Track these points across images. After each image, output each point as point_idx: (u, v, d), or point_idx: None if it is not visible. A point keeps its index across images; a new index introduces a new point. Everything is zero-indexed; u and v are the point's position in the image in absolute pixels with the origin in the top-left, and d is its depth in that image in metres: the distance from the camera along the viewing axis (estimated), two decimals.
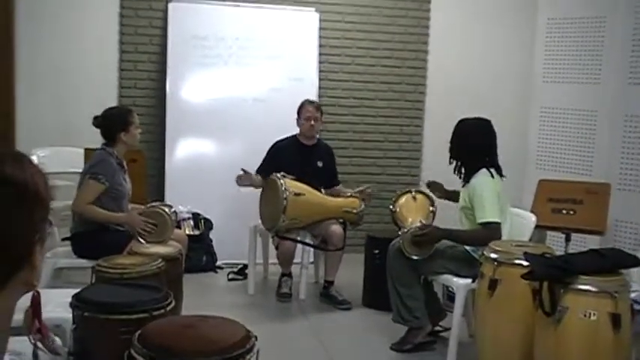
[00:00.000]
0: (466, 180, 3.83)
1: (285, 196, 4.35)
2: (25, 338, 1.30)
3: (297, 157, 4.88)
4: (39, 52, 5.49)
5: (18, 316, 1.19)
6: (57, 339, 1.40)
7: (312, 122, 4.90)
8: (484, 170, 3.75)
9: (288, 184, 4.45)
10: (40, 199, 1.08)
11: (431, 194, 4.28)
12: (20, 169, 1.06)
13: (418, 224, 3.80)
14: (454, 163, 3.89)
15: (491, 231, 3.59)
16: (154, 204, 4.13)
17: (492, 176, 3.75)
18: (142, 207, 4.05)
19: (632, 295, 3.05)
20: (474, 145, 3.81)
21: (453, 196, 4.09)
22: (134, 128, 4.08)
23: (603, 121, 5.23)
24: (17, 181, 1.04)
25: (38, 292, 1.31)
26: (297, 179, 4.59)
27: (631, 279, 3.16)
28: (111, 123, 4.05)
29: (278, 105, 5.63)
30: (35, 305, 1.33)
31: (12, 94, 5.24)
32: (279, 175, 4.50)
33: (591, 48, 5.36)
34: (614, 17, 5.16)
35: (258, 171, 4.87)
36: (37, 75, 5.48)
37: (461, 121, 3.91)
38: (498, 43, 6.30)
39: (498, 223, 3.61)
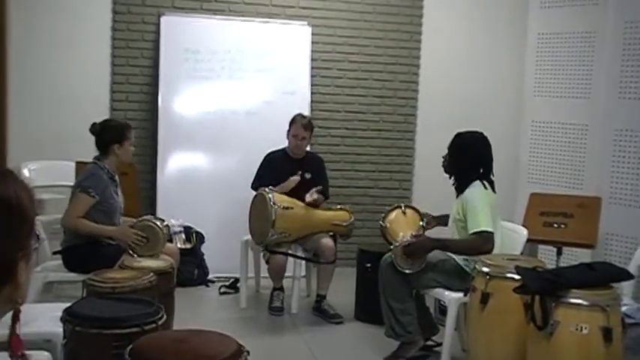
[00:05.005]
0: (459, 191, 3.84)
1: (273, 210, 4.36)
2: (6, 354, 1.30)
3: (286, 169, 4.88)
4: (30, 65, 5.47)
5: (4, 331, 1.18)
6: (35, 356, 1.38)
7: (299, 142, 4.90)
8: (477, 182, 3.77)
9: (276, 198, 4.45)
10: (25, 216, 1.06)
11: (419, 209, 4.28)
12: (4, 186, 1.05)
13: (409, 238, 3.80)
14: (450, 176, 3.90)
15: (483, 240, 3.58)
16: (145, 217, 4.12)
17: (485, 188, 3.77)
18: (134, 220, 4.04)
19: (624, 308, 3.07)
20: (471, 157, 3.83)
21: (444, 220, 4.08)
22: (128, 144, 4.10)
23: (594, 135, 5.26)
24: (1, 198, 1.03)
25: (19, 310, 1.30)
26: (286, 192, 4.59)
27: (622, 292, 3.18)
28: (107, 133, 4.07)
29: (270, 118, 5.63)
30: (14, 322, 1.32)
31: (3, 107, 5.22)
32: (267, 189, 4.51)
33: (581, 63, 5.39)
34: (604, 32, 5.20)
35: (254, 183, 4.89)
36: (28, 88, 5.46)
37: (457, 135, 3.93)
38: (489, 57, 6.34)
39: (491, 233, 3.60)
